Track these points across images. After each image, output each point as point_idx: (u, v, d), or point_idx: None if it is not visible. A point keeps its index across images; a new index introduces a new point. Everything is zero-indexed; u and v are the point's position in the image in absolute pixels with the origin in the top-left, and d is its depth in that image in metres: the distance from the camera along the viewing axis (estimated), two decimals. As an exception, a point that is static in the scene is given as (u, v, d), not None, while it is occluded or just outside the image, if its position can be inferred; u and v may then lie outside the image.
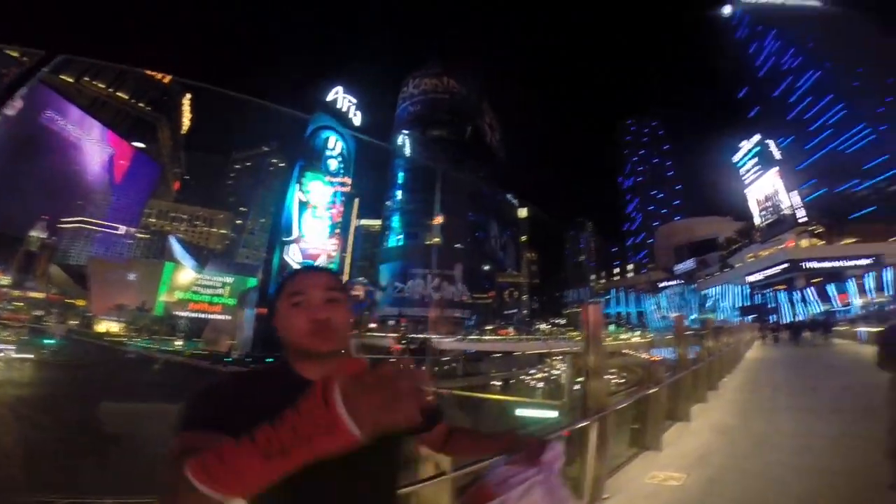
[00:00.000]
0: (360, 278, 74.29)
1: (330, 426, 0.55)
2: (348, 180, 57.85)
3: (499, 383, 30.79)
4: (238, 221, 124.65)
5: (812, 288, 58.49)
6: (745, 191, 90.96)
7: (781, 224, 77.35)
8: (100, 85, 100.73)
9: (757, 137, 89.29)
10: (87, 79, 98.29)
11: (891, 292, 46.88)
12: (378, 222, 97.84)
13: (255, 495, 0.61)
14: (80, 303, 57.03)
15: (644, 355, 11.63)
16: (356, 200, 52.59)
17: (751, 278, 70.81)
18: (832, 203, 78.00)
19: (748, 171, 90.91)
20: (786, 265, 64.49)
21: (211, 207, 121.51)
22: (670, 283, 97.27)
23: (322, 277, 1.00)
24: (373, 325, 61.00)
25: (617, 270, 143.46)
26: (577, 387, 4.29)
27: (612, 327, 73.95)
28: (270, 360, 1.04)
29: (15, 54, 76.24)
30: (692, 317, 62.82)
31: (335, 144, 56.79)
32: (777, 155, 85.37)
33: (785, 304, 60.93)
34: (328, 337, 0.94)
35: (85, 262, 66.58)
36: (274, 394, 0.66)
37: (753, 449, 4.63)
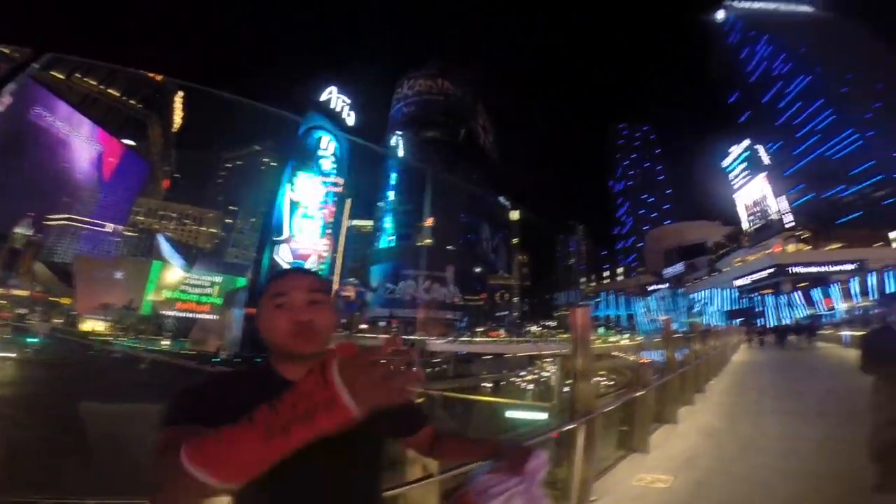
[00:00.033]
0: (352, 279, 74.01)
1: (329, 403, 0.57)
2: (341, 181, 57.63)
3: (489, 385, 30.81)
4: (228, 220, 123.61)
5: (798, 292, 59.26)
6: (734, 196, 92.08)
7: (769, 229, 78.35)
8: (91, 82, 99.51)
9: (746, 142, 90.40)
10: (78, 75, 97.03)
11: (875, 297, 47.63)
12: (370, 223, 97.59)
13: (239, 492, 0.61)
14: (66, 301, 56.13)
15: (633, 358, 11.69)
16: (348, 201, 52.42)
17: (738, 282, 71.60)
18: (819, 208, 79.17)
19: (737, 175, 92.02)
20: (772, 270, 65.29)
21: (201, 206, 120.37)
22: (660, 286, 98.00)
23: (305, 279, 0.99)
24: (363, 326, 60.79)
25: (607, 273, 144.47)
26: (566, 389, 4.29)
27: (601, 330, 74.37)
28: (259, 360, 1.06)
29: (6, 50, 75.13)
30: (681, 320, 63.36)
31: (328, 144, 56.57)
32: (766, 160, 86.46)
33: (771, 308, 61.63)
34: (310, 339, 0.94)
35: (71, 259, 65.52)
36: (255, 394, 0.67)
37: (740, 452, 4.65)
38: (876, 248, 61.75)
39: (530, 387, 30.63)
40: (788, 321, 53.28)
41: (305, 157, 53.31)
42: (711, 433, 5.52)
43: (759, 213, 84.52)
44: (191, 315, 54.97)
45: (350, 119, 60.46)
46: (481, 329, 75.65)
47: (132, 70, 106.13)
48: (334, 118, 57.93)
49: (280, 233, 49.01)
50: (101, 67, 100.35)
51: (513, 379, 33.20)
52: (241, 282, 57.13)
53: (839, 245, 66.49)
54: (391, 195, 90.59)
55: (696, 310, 73.55)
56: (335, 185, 56.66)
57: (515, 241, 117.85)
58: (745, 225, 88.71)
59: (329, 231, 55.22)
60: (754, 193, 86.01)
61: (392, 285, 79.18)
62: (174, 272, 59.54)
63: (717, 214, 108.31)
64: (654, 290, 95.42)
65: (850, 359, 9.60)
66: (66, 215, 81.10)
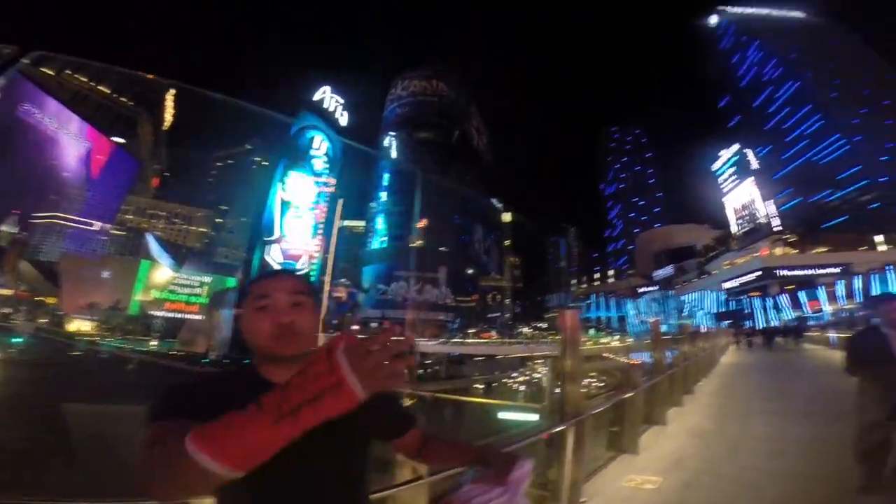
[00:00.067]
0: (343, 280, 73.61)
1: (336, 387, 0.60)
2: (333, 181, 57.26)
3: (481, 386, 30.84)
4: (218, 220, 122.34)
5: (785, 295, 60.07)
6: (723, 199, 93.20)
7: (757, 232, 79.41)
8: (81, 78, 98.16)
9: (736, 147, 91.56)
10: (68, 72, 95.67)
11: (860, 299, 48.41)
12: (362, 223, 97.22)
13: (222, 492, 0.63)
14: (51, 300, 55.15)
15: (623, 359, 11.75)
16: (340, 201, 52.11)
17: (727, 285, 72.44)
18: (806, 212, 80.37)
19: (726, 179, 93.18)
20: (760, 272, 66.17)
21: (190, 205, 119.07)
22: (650, 288, 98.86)
23: (288, 281, 0.99)
24: (355, 327, 60.48)
25: (598, 276, 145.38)
26: (557, 390, 4.30)
27: (592, 331, 74.69)
28: (248, 361, 1.07)
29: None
30: (671, 322, 63.86)
31: (320, 144, 56.18)
32: (755, 164, 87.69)
33: (759, 311, 62.40)
34: (292, 340, 0.94)
35: (57, 258, 64.46)
36: (242, 395, 0.67)
37: (728, 453, 4.69)
38: (861, 252, 62.84)
39: (522, 388, 30.71)
40: (776, 323, 54.00)
41: (297, 157, 52.88)
42: (700, 434, 5.56)
43: (747, 217, 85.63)
44: (179, 315, 54.30)
45: (343, 119, 60.09)
46: (473, 330, 75.57)
47: (123, 69, 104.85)
48: (327, 118, 57.55)
49: (271, 233, 48.58)
50: (91, 64, 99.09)
51: (505, 380, 33.26)
52: (231, 282, 56.57)
53: (825, 249, 67.56)
54: (384, 196, 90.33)
55: (685, 312, 74.23)
56: (327, 185, 56.27)
57: (507, 242, 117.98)
58: (733, 228, 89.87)
59: (321, 231, 54.81)
60: (743, 197, 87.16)
61: (384, 286, 78.91)
62: (163, 272, 58.80)
63: (707, 218, 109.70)
64: (645, 292, 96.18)
65: (837, 360, 9.73)
66: (53, 213, 79.81)
